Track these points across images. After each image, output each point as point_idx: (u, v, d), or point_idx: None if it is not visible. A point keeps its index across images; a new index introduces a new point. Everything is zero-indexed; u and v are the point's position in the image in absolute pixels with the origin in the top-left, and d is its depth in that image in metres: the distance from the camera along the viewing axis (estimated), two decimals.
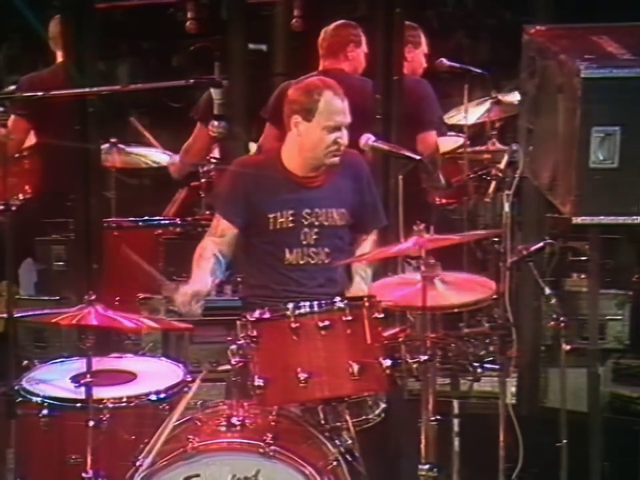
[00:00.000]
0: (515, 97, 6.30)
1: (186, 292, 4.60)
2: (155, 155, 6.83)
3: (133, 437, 4.26)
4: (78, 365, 4.35)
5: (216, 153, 6.19)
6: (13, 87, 6.63)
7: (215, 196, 5.03)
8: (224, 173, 5.01)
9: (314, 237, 4.73)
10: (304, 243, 4.72)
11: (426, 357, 4.23)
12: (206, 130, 5.80)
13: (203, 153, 6.37)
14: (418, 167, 5.02)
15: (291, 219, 4.72)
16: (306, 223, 4.72)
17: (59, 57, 6.29)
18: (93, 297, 4.19)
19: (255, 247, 4.77)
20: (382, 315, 4.19)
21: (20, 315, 4.41)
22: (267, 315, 4.17)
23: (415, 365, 4.23)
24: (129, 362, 4.61)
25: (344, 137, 4.70)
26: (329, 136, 4.68)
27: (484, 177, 6.33)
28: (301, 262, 4.73)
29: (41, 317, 4.48)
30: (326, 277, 4.72)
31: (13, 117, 6.15)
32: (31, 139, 6.45)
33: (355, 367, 4.06)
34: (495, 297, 4.53)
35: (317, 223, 4.73)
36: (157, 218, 6.31)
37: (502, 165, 4.78)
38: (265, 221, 4.72)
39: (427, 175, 4.94)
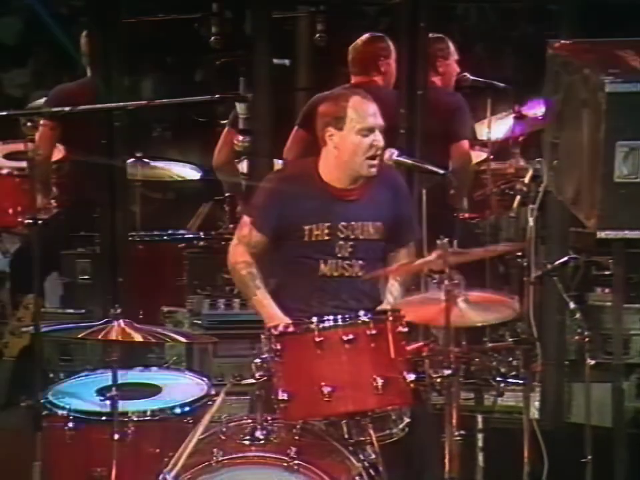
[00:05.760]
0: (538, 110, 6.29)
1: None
2: (180, 169, 6.86)
3: (158, 450, 4.28)
4: (103, 378, 4.37)
5: (243, 168, 6.19)
6: (41, 100, 6.64)
7: (249, 205, 4.95)
8: (260, 184, 4.96)
9: (349, 249, 4.69)
10: (339, 255, 4.69)
11: (449, 372, 4.21)
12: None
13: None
14: (443, 181, 5.01)
15: (326, 231, 4.68)
16: (342, 235, 4.69)
17: (89, 72, 6.32)
18: (119, 311, 4.21)
19: (289, 258, 4.73)
20: (406, 329, 4.19)
21: (47, 329, 4.42)
22: (290, 329, 4.17)
23: (438, 380, 4.23)
24: (153, 375, 4.63)
25: (379, 139, 4.64)
26: (364, 140, 4.63)
27: (508, 191, 6.33)
28: (335, 274, 4.70)
29: (67, 331, 4.49)
30: (360, 290, 4.68)
31: (40, 129, 6.13)
32: (58, 154, 6.47)
33: (379, 381, 4.05)
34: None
35: (352, 236, 4.69)
36: (181, 232, 6.33)
37: (526, 180, 4.78)
38: (300, 233, 4.68)
39: (453, 189, 4.92)
